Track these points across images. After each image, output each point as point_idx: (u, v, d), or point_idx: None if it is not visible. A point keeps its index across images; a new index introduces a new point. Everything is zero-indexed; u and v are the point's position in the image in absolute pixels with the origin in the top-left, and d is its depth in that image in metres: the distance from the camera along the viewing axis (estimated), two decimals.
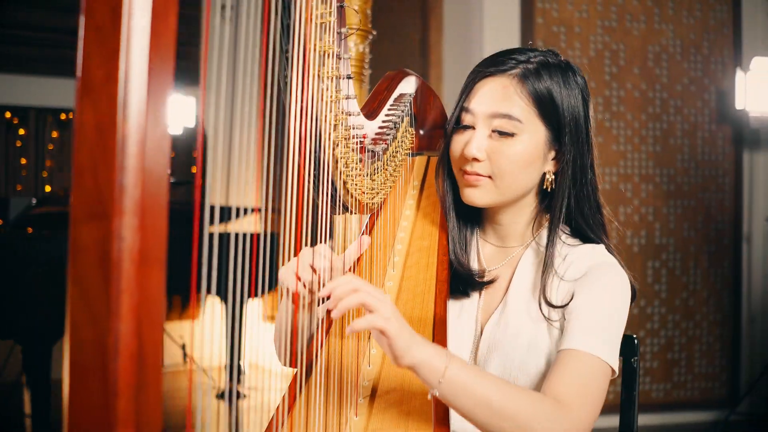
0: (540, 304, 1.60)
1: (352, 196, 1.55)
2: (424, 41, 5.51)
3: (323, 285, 1.52)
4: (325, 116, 1.39)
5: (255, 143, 1.21)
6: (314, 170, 1.40)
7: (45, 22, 6.47)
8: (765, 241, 5.36)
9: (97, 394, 0.82)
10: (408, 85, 1.75)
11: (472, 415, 1.36)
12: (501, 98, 1.60)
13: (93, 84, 0.85)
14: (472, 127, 1.63)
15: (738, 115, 5.23)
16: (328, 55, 1.38)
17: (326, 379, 1.45)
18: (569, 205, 1.64)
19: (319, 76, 1.37)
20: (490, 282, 1.69)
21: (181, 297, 6.07)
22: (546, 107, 1.59)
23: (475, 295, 1.69)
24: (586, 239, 1.66)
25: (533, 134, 1.60)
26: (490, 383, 1.37)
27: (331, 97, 1.40)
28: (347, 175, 1.50)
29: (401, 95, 1.72)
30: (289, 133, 1.26)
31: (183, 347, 6.15)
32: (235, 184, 1.34)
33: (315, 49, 1.35)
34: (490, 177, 1.62)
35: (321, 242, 1.45)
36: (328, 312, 1.30)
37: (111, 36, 0.84)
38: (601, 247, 1.65)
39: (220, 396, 5.46)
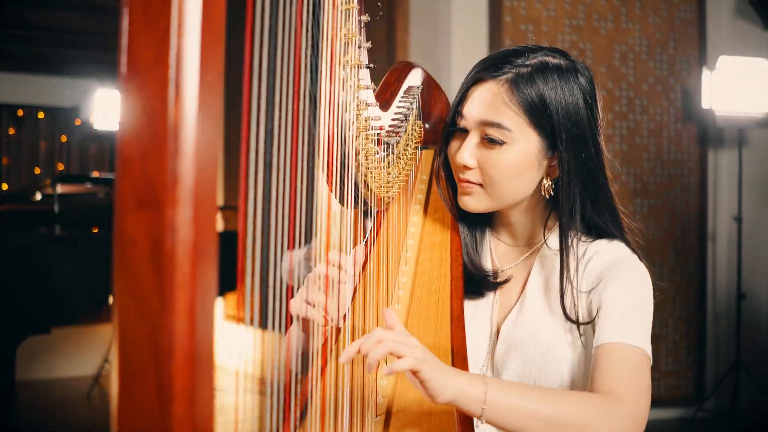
0: (561, 308, 1.56)
1: (370, 190, 1.50)
2: (390, 38, 5.46)
3: (340, 300, 1.48)
4: (348, 106, 1.34)
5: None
6: (340, 162, 1.35)
7: None
8: (730, 239, 5.41)
9: (151, 398, 0.76)
10: (415, 77, 1.71)
11: (527, 431, 1.33)
12: (490, 106, 1.54)
13: (141, 66, 0.79)
14: (468, 131, 1.58)
15: (703, 114, 5.27)
16: (350, 43, 1.34)
17: (339, 395, 1.40)
18: (584, 210, 1.58)
19: (341, 64, 1.32)
20: (505, 282, 1.65)
21: None
22: (537, 115, 1.52)
23: (489, 295, 1.65)
24: (602, 235, 1.63)
25: (524, 143, 1.54)
26: (535, 395, 1.35)
27: (352, 86, 1.35)
28: (366, 168, 1.45)
29: (410, 87, 1.68)
30: (319, 125, 1.21)
31: None
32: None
33: (339, 37, 1.30)
34: (481, 185, 1.58)
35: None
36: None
37: (160, 15, 0.78)
38: (618, 241, 1.62)
39: None
